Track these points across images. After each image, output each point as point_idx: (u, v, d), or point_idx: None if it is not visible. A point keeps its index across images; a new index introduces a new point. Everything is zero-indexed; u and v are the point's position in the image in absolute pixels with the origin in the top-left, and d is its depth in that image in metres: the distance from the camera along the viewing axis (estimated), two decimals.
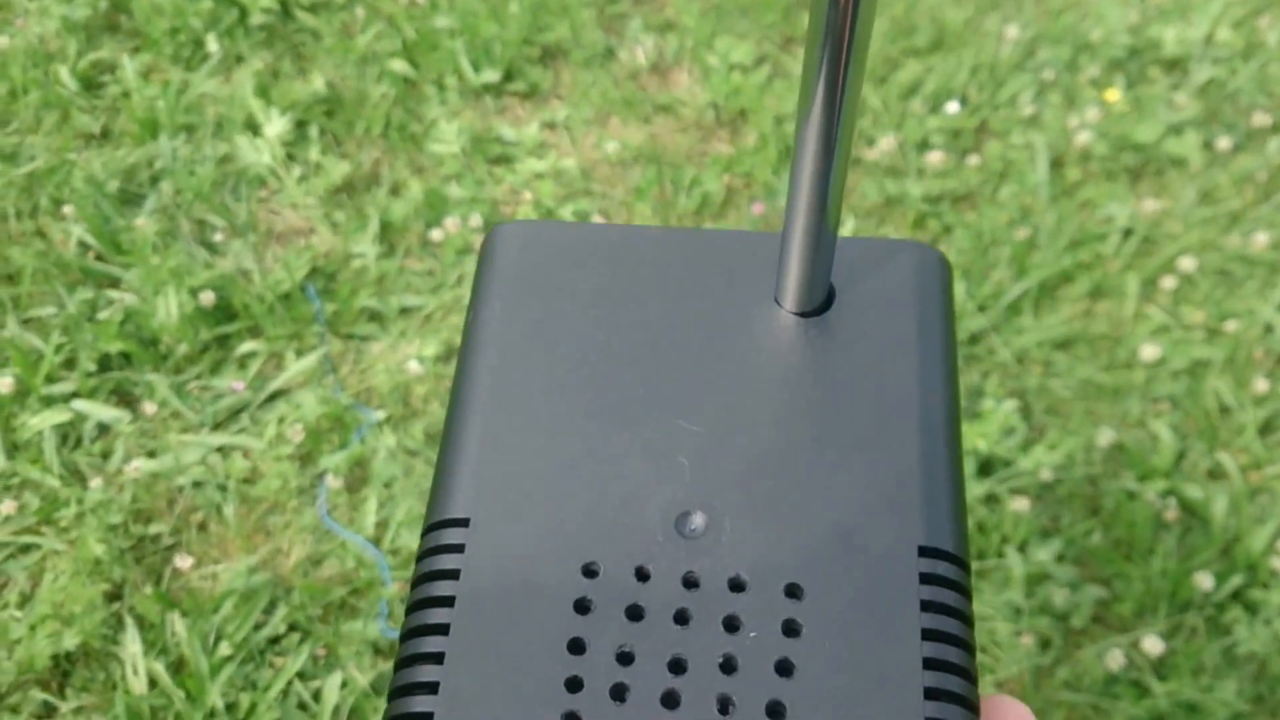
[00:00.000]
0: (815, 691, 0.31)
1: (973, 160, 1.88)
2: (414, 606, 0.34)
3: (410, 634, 0.34)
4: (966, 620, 0.34)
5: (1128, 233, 1.77)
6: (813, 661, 0.32)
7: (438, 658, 0.33)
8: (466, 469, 0.37)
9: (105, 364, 1.64)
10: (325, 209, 1.85)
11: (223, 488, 1.51)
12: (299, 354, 1.67)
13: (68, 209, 1.80)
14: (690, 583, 0.34)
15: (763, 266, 0.41)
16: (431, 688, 0.32)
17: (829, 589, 0.33)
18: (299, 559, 1.46)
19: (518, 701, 0.32)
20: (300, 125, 1.97)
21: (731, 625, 0.33)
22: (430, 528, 0.36)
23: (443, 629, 0.33)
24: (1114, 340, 1.65)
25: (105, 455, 1.56)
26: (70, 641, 1.35)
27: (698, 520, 0.35)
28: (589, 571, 0.34)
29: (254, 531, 1.48)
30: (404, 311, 1.72)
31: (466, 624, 0.33)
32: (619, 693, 0.32)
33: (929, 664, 0.32)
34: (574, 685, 0.32)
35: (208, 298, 1.67)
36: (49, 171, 1.86)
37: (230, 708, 1.32)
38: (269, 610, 1.41)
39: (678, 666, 0.32)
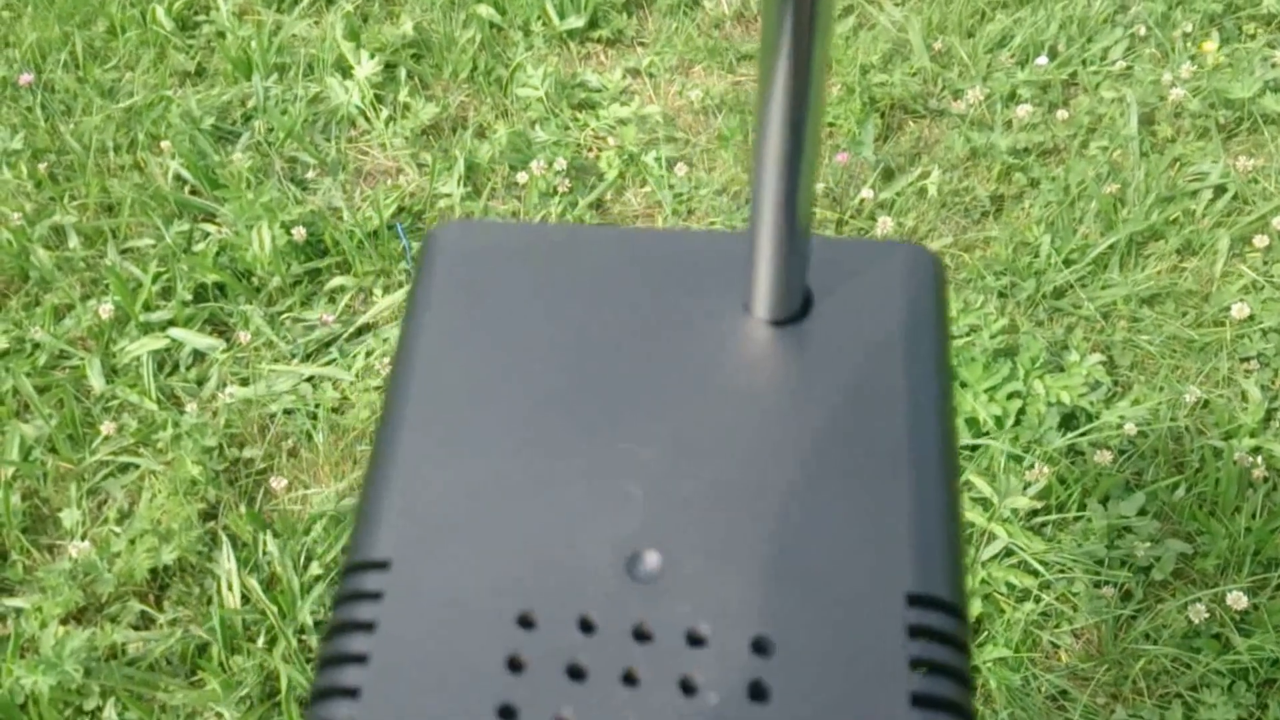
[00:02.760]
0: None
1: (1061, 114, 1.87)
2: (324, 663, 0.30)
3: (318, 695, 0.29)
4: (964, 681, 0.29)
5: (1219, 190, 1.75)
6: None
7: None
8: (390, 502, 0.32)
9: (201, 294, 1.68)
10: (413, 150, 1.87)
11: (313, 416, 1.55)
12: (386, 290, 1.69)
13: (165, 144, 1.84)
14: (642, 635, 0.29)
15: (731, 270, 0.36)
16: None
17: (802, 644, 0.29)
18: None
19: None
20: (389, 68, 1.99)
21: (688, 687, 0.28)
22: (347, 570, 0.31)
23: (353, 692, 0.29)
24: (1202, 297, 1.64)
25: (200, 382, 1.60)
26: (168, 556, 1.39)
27: (652, 561, 0.30)
28: (525, 622, 0.30)
29: (342, 459, 1.51)
30: None
31: (380, 686, 0.29)
32: None
33: None
34: None
35: (299, 233, 1.70)
36: (147, 107, 1.90)
37: (319, 624, 1.36)
38: None
39: None
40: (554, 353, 0.34)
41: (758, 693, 0.28)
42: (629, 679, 0.29)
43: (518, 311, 0.35)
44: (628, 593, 0.30)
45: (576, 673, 0.29)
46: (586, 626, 0.29)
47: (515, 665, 0.29)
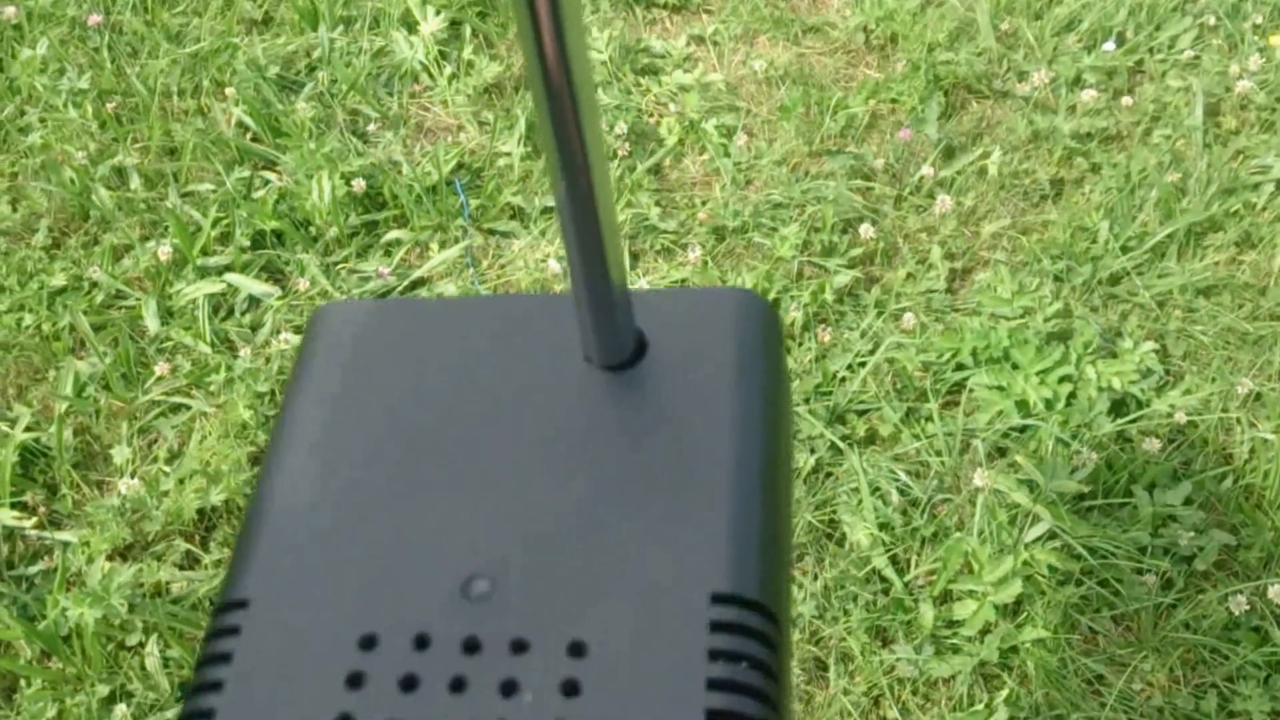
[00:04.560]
0: None
1: (1126, 101, 1.85)
2: (189, 694, 0.33)
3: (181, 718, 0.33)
4: (769, 671, 0.31)
5: None
6: None
7: None
8: (254, 550, 0.35)
9: (259, 241, 1.70)
10: (474, 107, 1.88)
11: None
12: (442, 245, 1.70)
13: (229, 90, 1.86)
14: (471, 646, 0.32)
15: (575, 326, 0.39)
16: None
17: (613, 643, 0.31)
18: None
19: None
20: (454, 25, 2.00)
21: (509, 689, 0.31)
22: (213, 613, 0.35)
23: (208, 714, 0.32)
24: (1259, 290, 1.62)
25: (254, 327, 1.62)
26: (215, 498, 1.41)
27: (483, 585, 0.33)
28: (366, 643, 0.32)
29: None
30: (546, 211, 1.75)
31: (232, 709, 0.32)
32: None
33: (713, 716, 0.30)
34: None
35: (359, 185, 1.71)
36: (213, 53, 1.92)
37: None
38: None
39: None
40: (413, 411, 0.38)
41: (571, 689, 0.31)
42: (457, 686, 0.31)
43: (385, 377, 0.39)
44: (461, 611, 0.33)
45: (410, 683, 0.32)
46: (421, 643, 0.32)
47: (354, 681, 0.32)
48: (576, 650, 0.32)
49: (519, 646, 0.32)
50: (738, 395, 0.37)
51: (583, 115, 0.32)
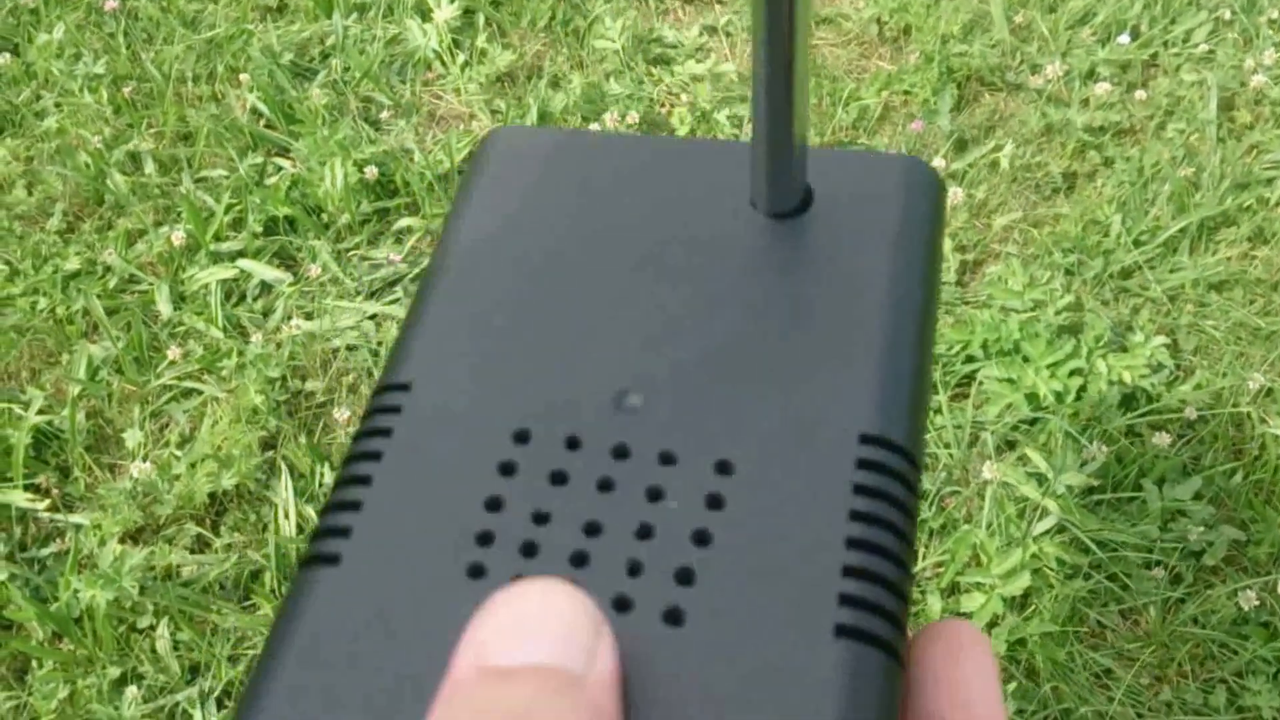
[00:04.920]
0: (729, 560, 0.30)
1: (1140, 94, 1.85)
2: (344, 463, 0.34)
3: (335, 486, 0.34)
4: (904, 510, 0.32)
5: None
6: (731, 533, 0.31)
7: (356, 506, 0.32)
8: (417, 339, 0.36)
9: (271, 227, 1.70)
10: (487, 96, 1.88)
11: (375, 353, 1.57)
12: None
13: (244, 77, 1.86)
14: (620, 453, 0.33)
15: (745, 173, 0.39)
16: (345, 532, 0.32)
17: (760, 467, 0.32)
18: None
19: (425, 550, 0.31)
20: (468, 13, 2.00)
21: (655, 495, 0.32)
22: (374, 394, 0.36)
23: (365, 480, 0.33)
24: (1271, 286, 1.62)
25: (266, 313, 1.62)
26: (227, 482, 1.42)
27: (637, 398, 0.34)
28: (520, 437, 0.33)
29: None
30: None
31: (389, 477, 0.33)
32: (529, 549, 0.31)
33: (853, 543, 0.31)
34: (484, 539, 0.31)
35: (371, 172, 1.72)
36: (228, 39, 1.92)
37: None
38: None
39: (593, 529, 0.31)
40: (577, 233, 0.39)
41: (715, 502, 0.32)
42: (604, 486, 0.32)
43: (552, 200, 0.40)
44: (613, 421, 0.34)
45: (559, 478, 0.32)
46: (573, 444, 0.33)
47: (506, 469, 0.33)
48: (723, 469, 0.32)
49: (667, 459, 0.33)
50: (899, 252, 0.37)
51: None
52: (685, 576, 0.30)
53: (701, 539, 0.31)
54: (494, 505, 0.32)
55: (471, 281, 0.38)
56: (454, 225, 0.41)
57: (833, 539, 0.31)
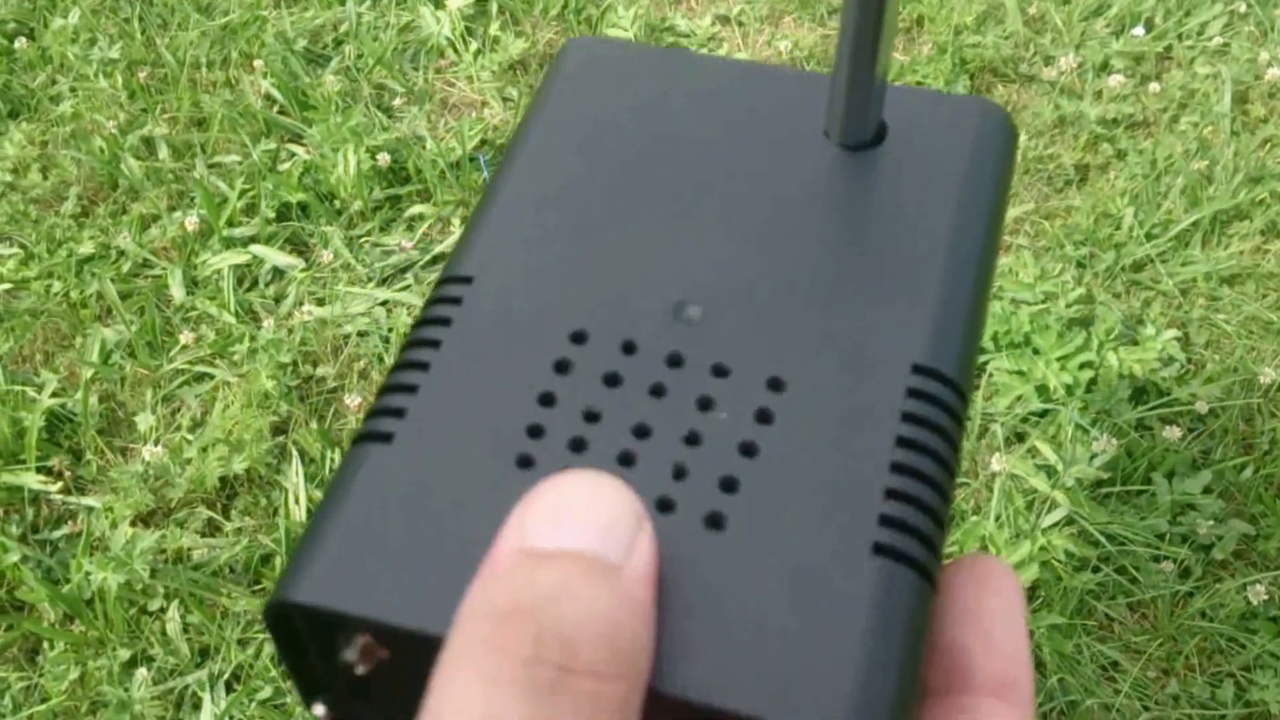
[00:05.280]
0: (773, 472, 0.31)
1: (1153, 87, 1.84)
2: (403, 348, 0.35)
3: (393, 369, 0.34)
4: (949, 441, 0.33)
5: None
6: (778, 446, 0.31)
7: (412, 389, 0.33)
8: (482, 236, 0.37)
9: (284, 213, 1.71)
10: (499, 84, 1.88)
11: (385, 340, 1.57)
12: (464, 220, 1.71)
13: (257, 63, 1.87)
14: (674, 362, 0.33)
15: (821, 103, 0.40)
16: (399, 413, 0.33)
17: (812, 387, 0.33)
18: None
19: (477, 437, 0.32)
20: (480, 1, 2.00)
21: (706, 404, 0.32)
22: (436, 284, 0.36)
23: (423, 365, 0.34)
24: None
25: (278, 299, 1.63)
26: (238, 466, 1.43)
27: (696, 311, 0.35)
28: (577, 337, 0.34)
29: None
30: None
31: (446, 365, 0.33)
32: (578, 445, 0.32)
33: (897, 468, 0.31)
34: (535, 432, 0.32)
35: (383, 159, 1.72)
36: (242, 25, 1.93)
37: None
38: None
39: (642, 432, 0.32)
40: (650, 147, 0.39)
41: (764, 416, 0.32)
42: (656, 391, 0.33)
43: (626, 113, 0.40)
44: (670, 329, 0.34)
45: (613, 380, 0.33)
46: (629, 349, 0.34)
47: (561, 367, 0.33)
48: (775, 385, 0.33)
49: (720, 371, 0.33)
50: (966, 192, 0.38)
51: None
52: (729, 484, 0.31)
53: (748, 450, 0.31)
54: (547, 400, 0.33)
55: (541, 182, 0.39)
56: (526, 127, 0.41)
57: (878, 462, 0.31)
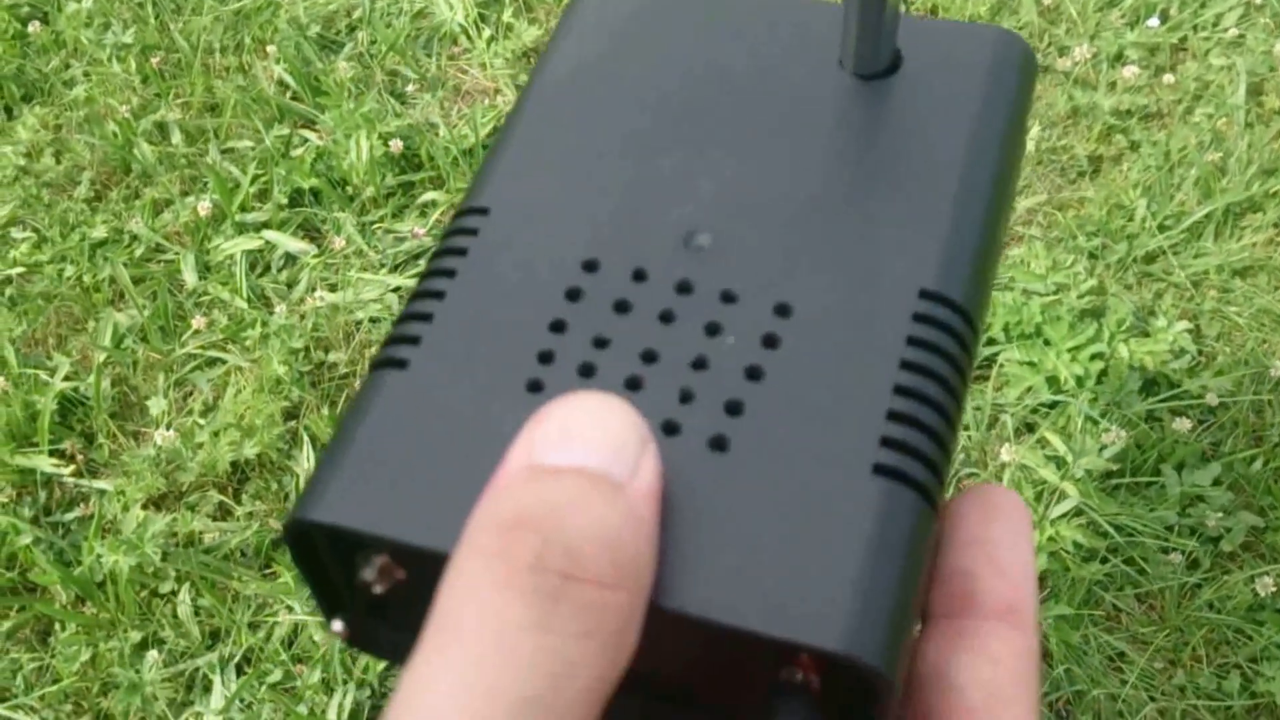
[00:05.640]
0: (778, 396, 0.31)
1: (1168, 78, 1.84)
2: (420, 278, 0.36)
3: (410, 299, 0.35)
4: (956, 366, 0.33)
5: None
6: (783, 371, 0.32)
7: (427, 317, 0.34)
8: (499, 168, 0.38)
9: (296, 199, 1.71)
10: (512, 71, 1.88)
11: None
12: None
13: (270, 48, 1.87)
14: (683, 289, 0.34)
15: (835, 33, 0.40)
16: (414, 340, 0.33)
17: (819, 312, 0.33)
18: None
19: (488, 362, 0.33)
20: None
21: (713, 329, 0.33)
22: (454, 216, 0.37)
23: (439, 294, 0.34)
24: None
25: (290, 284, 1.63)
26: (249, 451, 1.43)
27: (705, 239, 0.35)
28: (589, 266, 0.34)
29: None
30: None
31: (460, 294, 0.34)
32: (587, 370, 0.32)
33: (900, 390, 0.31)
34: (545, 358, 0.32)
35: (396, 145, 1.72)
36: (255, 11, 1.93)
37: None
38: None
39: (650, 357, 0.32)
40: (665, 77, 0.40)
41: (770, 342, 0.32)
42: (665, 318, 0.33)
43: (644, 42, 0.41)
44: (680, 257, 0.34)
45: (623, 306, 0.33)
46: (639, 276, 0.34)
47: (572, 295, 0.34)
48: (782, 311, 0.33)
49: (728, 297, 0.33)
50: (981, 121, 0.38)
51: None
52: (734, 408, 0.31)
53: (754, 374, 0.32)
54: (558, 327, 0.33)
55: (556, 114, 0.39)
56: (545, 60, 0.41)
57: (881, 384, 0.31)
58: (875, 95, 0.39)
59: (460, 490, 0.29)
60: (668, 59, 0.40)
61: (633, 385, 0.32)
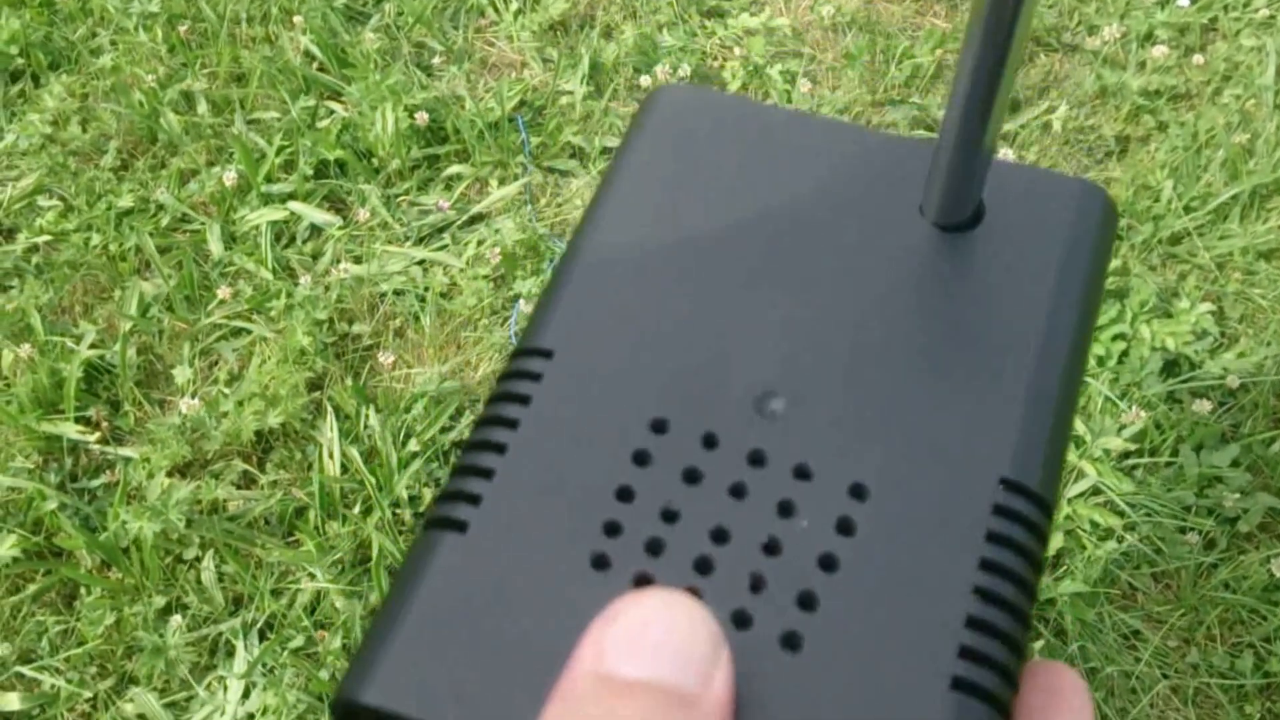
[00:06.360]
0: (853, 591, 0.30)
1: (1197, 59, 1.83)
2: (479, 424, 0.34)
3: (468, 448, 0.33)
4: (1033, 562, 0.31)
5: None
6: (858, 562, 0.30)
7: (488, 474, 0.32)
8: (563, 304, 0.36)
9: (321, 170, 1.72)
10: (539, 44, 1.89)
11: (421, 298, 1.58)
12: (502, 181, 1.72)
13: (297, 19, 1.87)
14: (756, 460, 0.32)
15: (916, 175, 0.38)
16: (474, 500, 0.32)
17: (896, 497, 0.31)
18: (485, 374, 1.52)
19: (552, 531, 0.31)
20: None
21: (786, 509, 0.31)
22: (514, 355, 0.35)
23: (500, 448, 0.33)
24: None
25: (315, 256, 1.64)
26: (273, 420, 1.45)
27: (779, 403, 0.33)
28: (657, 426, 0.33)
29: (447, 342, 1.55)
30: (605, 151, 1.75)
31: (524, 449, 0.32)
32: (655, 547, 0.31)
33: (979, 592, 0.30)
34: (612, 530, 0.31)
35: (422, 118, 1.73)
36: None
37: (413, 499, 1.40)
38: (455, 416, 1.48)
39: (720, 536, 0.31)
40: (738, 214, 0.38)
41: (845, 527, 0.31)
42: (736, 492, 0.32)
43: (715, 173, 0.39)
44: (752, 423, 0.33)
45: (692, 476, 0.32)
46: (710, 442, 0.32)
47: (641, 459, 0.32)
48: (857, 492, 0.31)
49: (802, 473, 0.32)
50: (1062, 285, 0.36)
51: None
52: (807, 601, 0.30)
53: (828, 564, 0.30)
54: (625, 495, 0.32)
55: (623, 249, 0.37)
56: (610, 186, 0.39)
57: (961, 586, 0.30)
58: (956, 250, 0.37)
59: (520, 680, 0.29)
60: (743, 192, 0.38)
61: (703, 567, 0.30)
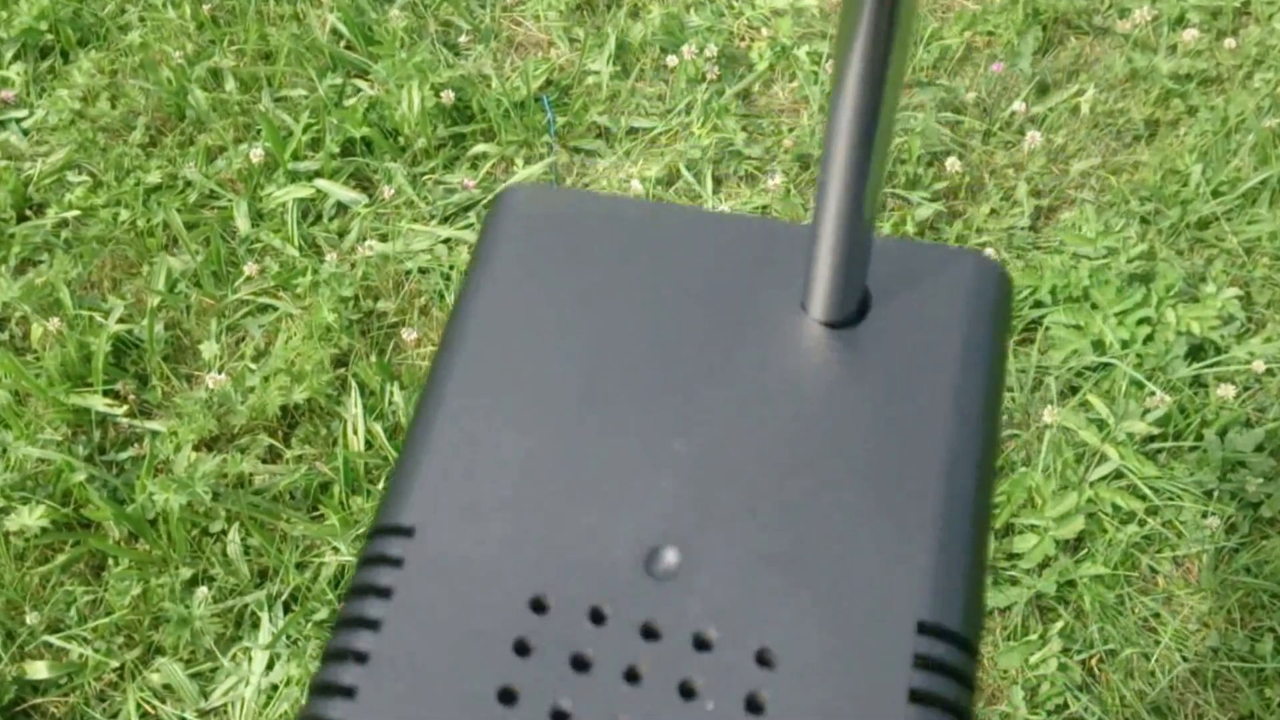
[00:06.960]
0: None
1: (1229, 43, 1.81)
2: (340, 624, 0.31)
3: (329, 656, 0.30)
4: (962, 717, 0.29)
5: None
6: None
7: (350, 692, 0.29)
8: (422, 470, 0.33)
9: (348, 148, 1.73)
10: (566, 24, 1.89)
11: (446, 277, 1.59)
12: (527, 160, 1.72)
13: None
14: (650, 633, 0.30)
15: (791, 264, 0.35)
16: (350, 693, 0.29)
17: (805, 661, 0.29)
18: None
19: None
20: None
21: (688, 691, 0.29)
22: (373, 533, 0.32)
23: (363, 657, 0.30)
24: None
25: (341, 233, 1.65)
26: (299, 396, 1.46)
27: (670, 558, 0.30)
28: (538, 606, 0.30)
29: None
30: (631, 132, 1.76)
31: (389, 655, 0.30)
32: None
33: None
34: None
35: (448, 96, 1.73)
36: None
37: None
38: None
39: None
40: (605, 333, 0.34)
41: (754, 706, 0.28)
42: (631, 676, 0.29)
43: (577, 286, 0.35)
44: (642, 588, 0.30)
45: (581, 663, 0.29)
46: (597, 618, 0.30)
47: (522, 649, 0.29)
48: (764, 660, 0.29)
49: (702, 644, 0.29)
50: (960, 383, 0.33)
51: (894, 50, 0.29)
52: None
53: None
54: (508, 698, 0.29)
55: (485, 392, 0.34)
56: (461, 318, 0.36)
57: None
58: (845, 348, 0.34)
59: None
60: (605, 302, 0.35)
61: None
